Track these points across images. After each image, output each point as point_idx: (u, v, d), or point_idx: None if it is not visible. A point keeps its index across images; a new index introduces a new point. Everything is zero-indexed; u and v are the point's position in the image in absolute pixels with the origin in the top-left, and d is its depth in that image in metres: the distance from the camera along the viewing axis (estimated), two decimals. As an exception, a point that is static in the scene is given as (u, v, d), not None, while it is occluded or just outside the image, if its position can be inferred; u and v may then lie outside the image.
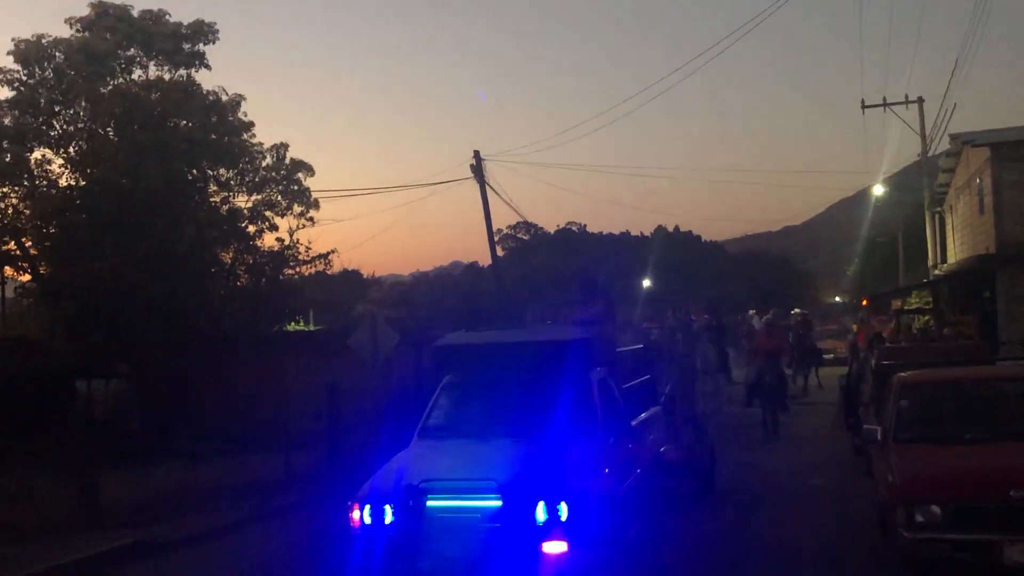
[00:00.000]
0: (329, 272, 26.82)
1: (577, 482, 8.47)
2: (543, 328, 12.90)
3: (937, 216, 34.42)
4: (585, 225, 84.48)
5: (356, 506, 8.53)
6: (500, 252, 64.69)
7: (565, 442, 8.98)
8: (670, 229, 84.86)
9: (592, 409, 9.71)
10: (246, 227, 22.66)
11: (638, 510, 10.25)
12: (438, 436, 9.79)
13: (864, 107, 35.17)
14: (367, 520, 8.42)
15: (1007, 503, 7.66)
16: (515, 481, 8.29)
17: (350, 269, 46.64)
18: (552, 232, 77.23)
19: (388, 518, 8.39)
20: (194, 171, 21.74)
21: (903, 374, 10.39)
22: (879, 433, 9.54)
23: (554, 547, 8.03)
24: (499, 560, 8.02)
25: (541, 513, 8.11)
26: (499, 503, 8.19)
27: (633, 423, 10.85)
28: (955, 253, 31.37)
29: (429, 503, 8.32)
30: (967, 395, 9.70)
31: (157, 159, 19.93)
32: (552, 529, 8.06)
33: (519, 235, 73.91)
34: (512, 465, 8.56)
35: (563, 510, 8.11)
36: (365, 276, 67.50)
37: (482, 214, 31.02)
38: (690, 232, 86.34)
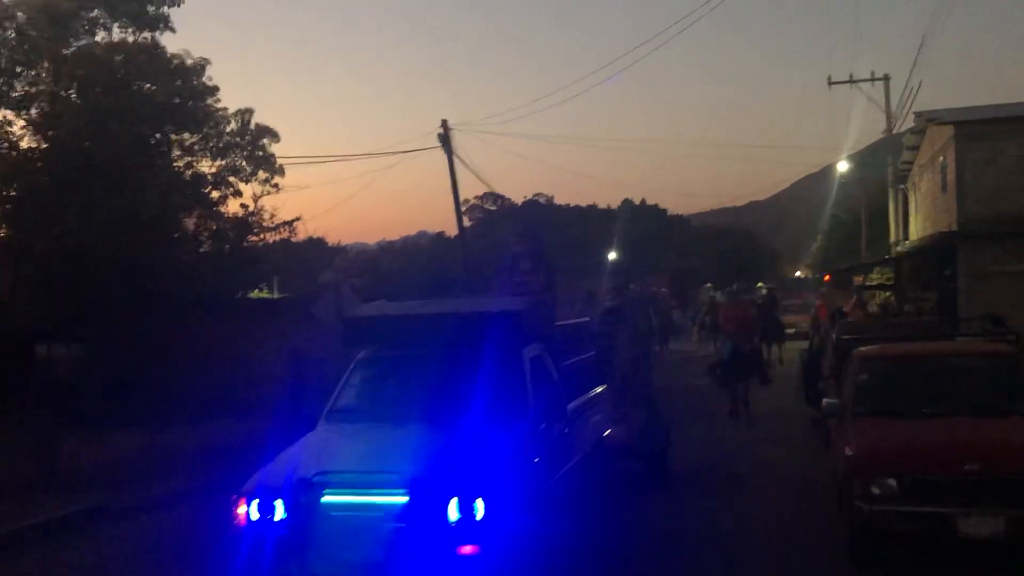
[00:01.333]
0: (294, 239, 26.71)
1: (498, 475, 7.52)
2: (474, 299, 11.57)
3: (901, 193, 34.70)
4: (553, 197, 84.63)
5: (242, 501, 7.51)
6: (467, 222, 64.58)
7: (488, 428, 7.96)
8: (637, 202, 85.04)
9: (522, 390, 8.67)
10: (210, 193, 22.48)
11: (575, 502, 9.46)
12: (345, 419, 8.79)
13: (831, 83, 35.28)
14: (254, 516, 7.42)
15: (961, 477, 7.78)
16: (425, 474, 7.29)
17: (315, 237, 46.41)
18: (519, 203, 77.23)
19: (279, 514, 7.38)
20: (158, 135, 21.49)
21: (862, 348, 10.52)
22: (837, 406, 9.67)
23: (468, 550, 7.11)
24: (405, 565, 7.06)
25: (454, 511, 7.15)
26: (405, 499, 7.20)
27: (573, 404, 9.90)
28: (917, 230, 31.67)
29: (324, 499, 7.35)
30: (925, 370, 9.81)
31: (120, 122, 19.67)
32: (466, 530, 7.13)
33: (486, 206, 73.88)
34: (423, 455, 7.58)
35: (479, 508, 7.17)
36: (331, 244, 67.23)
37: (449, 184, 30.98)
38: (656, 205, 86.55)
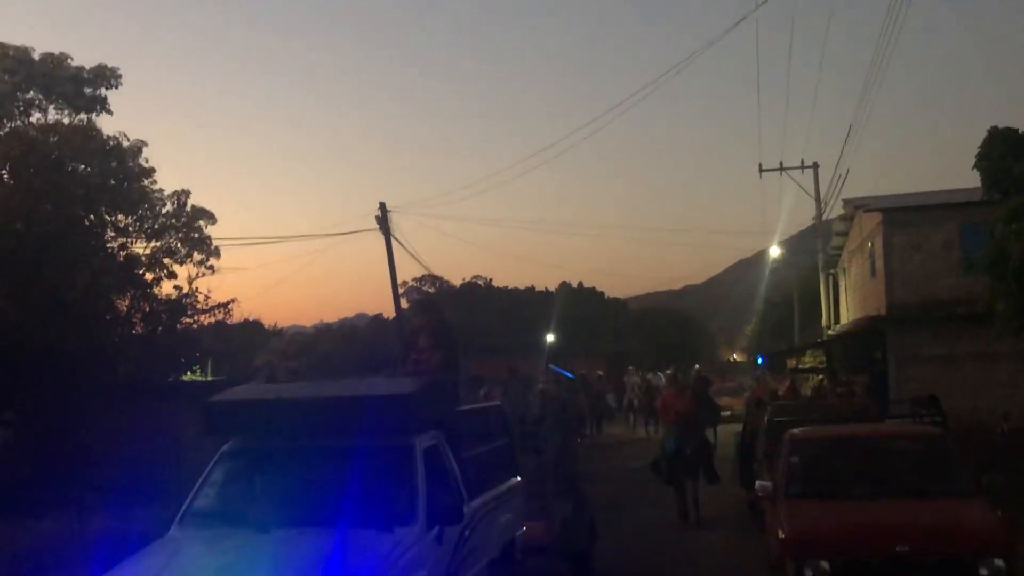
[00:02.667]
0: (229, 322, 26.37)
1: None
2: (362, 382, 9.93)
3: (831, 278, 35.41)
4: (491, 279, 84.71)
5: None
6: (405, 304, 64.44)
7: (366, 534, 6.86)
8: (574, 284, 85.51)
9: (411, 486, 7.42)
10: (144, 274, 22.21)
11: None
12: (202, 524, 7.50)
13: (761, 171, 35.99)
14: None
15: (893, 558, 7.85)
16: None
17: (251, 319, 45.81)
18: (458, 285, 77.23)
19: None
20: (91, 216, 21.27)
21: (794, 430, 10.62)
22: (770, 488, 9.72)
23: None
24: None
25: None
26: None
27: (479, 500, 8.64)
28: (848, 314, 32.29)
29: None
30: (856, 451, 9.94)
31: (53, 203, 19.45)
32: None
33: (425, 287, 73.77)
34: (284, 569, 6.58)
35: None
36: (267, 327, 66.41)
37: (387, 265, 30.98)
38: (594, 288, 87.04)
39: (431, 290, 72.82)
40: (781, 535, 8.64)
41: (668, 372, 19.73)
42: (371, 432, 7.45)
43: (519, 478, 10.34)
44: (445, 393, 8.76)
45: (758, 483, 10.26)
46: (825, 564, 7.97)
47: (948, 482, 9.23)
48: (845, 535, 8.26)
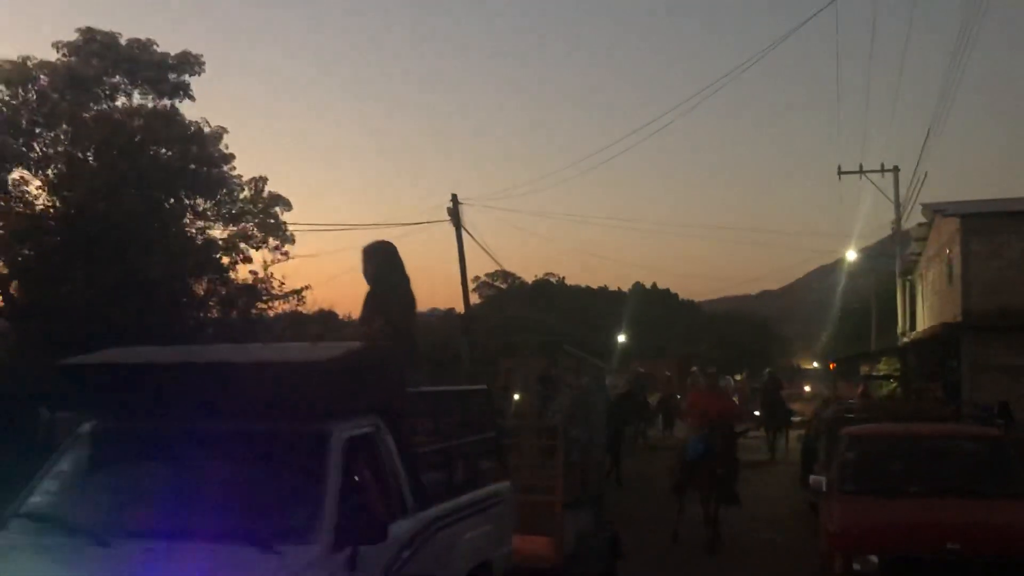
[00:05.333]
0: (303, 311, 26.83)
1: None
2: (271, 347, 7.90)
3: (908, 284, 34.84)
4: (564, 277, 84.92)
5: None
6: (477, 300, 64.88)
7: (239, 553, 5.03)
8: (647, 286, 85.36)
9: (316, 490, 5.43)
10: (220, 258, 22.71)
11: None
12: (33, 529, 5.59)
13: (840, 173, 35.47)
14: None
15: (942, 555, 7.79)
16: None
17: (326, 309, 46.48)
18: (530, 282, 77.52)
19: None
20: (171, 200, 21.83)
21: (851, 427, 10.57)
22: (824, 484, 9.69)
23: None
24: None
25: None
26: None
27: (436, 510, 6.61)
28: (924, 321, 31.75)
29: None
30: (912, 450, 9.87)
31: (135, 186, 20.03)
32: None
33: (497, 284, 74.17)
34: None
35: None
36: (341, 317, 67.28)
37: (457, 259, 31.21)
38: (667, 290, 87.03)
39: (503, 286, 73.16)
40: (831, 529, 8.64)
41: (693, 370, 17.45)
42: (270, 414, 5.70)
43: (509, 482, 8.29)
44: (387, 367, 6.48)
45: (812, 478, 10.22)
46: (874, 559, 7.95)
47: (1004, 483, 9.12)
48: (895, 531, 8.24)
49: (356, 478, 5.56)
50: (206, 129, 22.28)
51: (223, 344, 7.87)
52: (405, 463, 6.34)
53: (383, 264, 7.41)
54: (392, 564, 5.80)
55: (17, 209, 20.32)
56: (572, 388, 14.77)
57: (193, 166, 21.88)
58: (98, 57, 21.42)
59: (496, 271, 70.60)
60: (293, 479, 5.63)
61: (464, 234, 30.79)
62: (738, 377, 54.75)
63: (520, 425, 11.02)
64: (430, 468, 6.92)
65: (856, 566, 7.97)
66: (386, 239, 7.47)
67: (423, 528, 6.33)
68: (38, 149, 20.87)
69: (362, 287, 7.56)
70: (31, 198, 20.76)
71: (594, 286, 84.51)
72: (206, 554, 4.98)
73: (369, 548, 5.39)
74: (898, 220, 34.43)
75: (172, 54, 22.40)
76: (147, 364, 6.12)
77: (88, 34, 21.49)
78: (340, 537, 5.26)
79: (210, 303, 23.31)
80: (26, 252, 20.15)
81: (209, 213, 22.86)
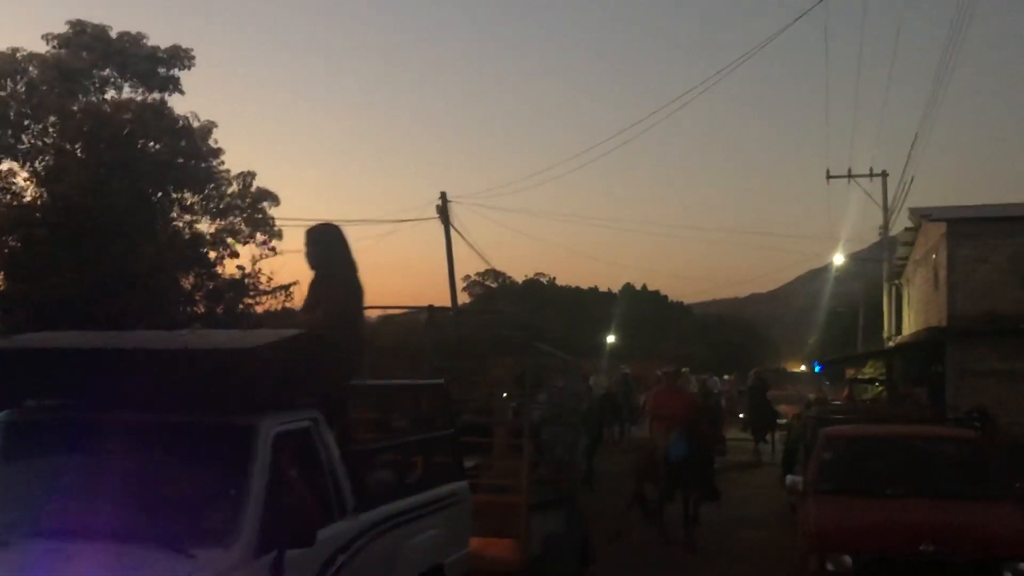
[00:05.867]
0: (291, 307, 26.80)
1: None
2: (200, 333, 7.56)
3: (894, 288, 34.96)
4: (555, 278, 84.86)
5: None
6: (468, 299, 64.86)
7: (149, 556, 4.71)
8: (637, 287, 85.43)
9: (238, 488, 5.02)
10: (207, 253, 22.70)
11: None
12: None
13: (829, 177, 35.57)
14: None
15: (916, 556, 7.84)
16: None
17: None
18: (520, 282, 77.46)
19: None
20: (159, 193, 21.83)
21: (829, 428, 10.63)
22: (800, 484, 9.75)
23: None
24: None
25: None
26: None
27: (380, 512, 6.26)
28: (910, 325, 31.85)
29: None
30: (888, 450, 9.93)
31: (123, 179, 20.02)
32: None
33: (487, 283, 74.14)
34: None
35: None
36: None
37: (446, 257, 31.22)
38: (657, 292, 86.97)
39: (493, 285, 73.19)
40: (807, 528, 8.68)
41: (662, 370, 16.47)
42: (194, 405, 5.36)
43: (465, 482, 7.94)
44: (327, 358, 6.00)
45: (789, 478, 10.29)
46: (848, 559, 8.01)
47: (979, 485, 9.18)
48: (869, 531, 8.28)
49: (286, 476, 5.17)
50: (195, 123, 22.30)
51: (152, 331, 6.82)
52: (346, 461, 5.94)
53: (328, 248, 6.89)
54: (325, 569, 5.47)
55: (4, 201, 20.30)
56: (546, 387, 14.29)
57: (181, 160, 21.88)
58: (88, 50, 21.42)
59: (486, 270, 70.64)
60: (214, 476, 5.25)
61: (454, 232, 30.80)
62: (727, 377, 54.90)
63: (491, 423, 10.70)
64: (376, 466, 6.67)
65: (830, 566, 8.03)
66: (332, 222, 7.16)
67: (364, 531, 5.97)
68: (26, 141, 20.86)
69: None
70: (19, 190, 20.75)
71: (584, 286, 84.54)
72: (111, 556, 4.67)
73: (297, 552, 5.04)
74: (886, 224, 34.57)
75: (162, 48, 22.42)
76: (60, 349, 5.66)
77: (79, 26, 21.50)
78: (263, 540, 4.90)
79: (196, 297, 23.30)
80: (13, 244, 20.13)
81: (197, 207, 22.87)
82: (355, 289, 6.80)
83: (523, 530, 8.72)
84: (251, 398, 5.32)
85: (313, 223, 7.02)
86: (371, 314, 12.72)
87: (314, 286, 6.89)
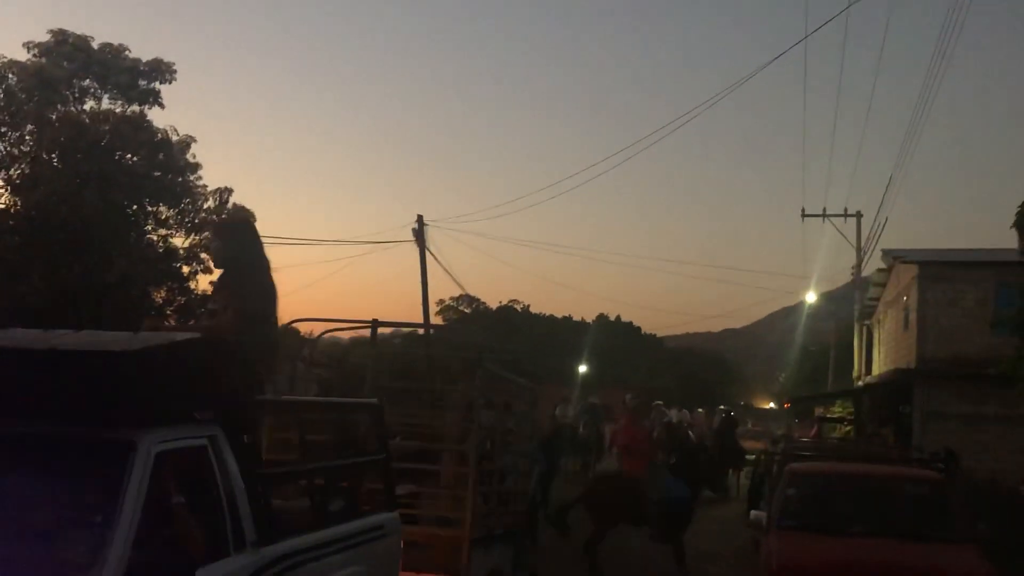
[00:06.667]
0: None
1: None
2: (75, 334, 5.20)
3: (865, 329, 35.18)
4: (529, 305, 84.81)
5: None
6: (441, 322, 64.63)
7: None
8: (612, 318, 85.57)
9: (109, 515, 4.20)
10: (180, 267, 22.63)
11: None
12: None
13: (804, 215, 35.84)
14: None
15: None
16: None
17: (288, 324, 46.26)
18: (494, 308, 77.34)
19: None
20: (134, 206, 21.76)
21: (795, 464, 10.64)
22: (764, 519, 9.75)
23: None
24: None
25: None
26: None
27: (291, 543, 5.47)
28: (880, 365, 32.04)
29: None
30: (852, 489, 9.93)
31: (97, 189, 19.95)
32: None
33: (461, 308, 74.07)
34: None
35: None
36: (303, 334, 66.96)
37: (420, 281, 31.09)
38: (631, 323, 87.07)
39: (467, 310, 73.11)
40: (768, 564, 8.68)
41: (627, 397, 15.97)
42: (65, 415, 4.50)
43: (396, 513, 7.10)
44: (230, 367, 5.28)
45: (752, 513, 10.28)
46: (807, 596, 8.00)
47: (942, 526, 9.18)
48: (830, 569, 8.28)
49: (169, 502, 4.55)
50: (174, 137, 22.31)
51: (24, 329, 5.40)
52: (249, 485, 5.13)
53: (237, 243, 6.19)
54: None
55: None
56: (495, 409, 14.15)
57: (158, 173, 21.86)
58: (69, 59, 21.41)
59: (460, 295, 70.52)
60: (80, 499, 4.49)
61: (429, 256, 30.73)
62: (700, 410, 54.86)
63: (436, 450, 9.79)
64: (288, 493, 6.10)
65: (790, 603, 8.03)
66: (242, 214, 6.54)
67: (265, 566, 5.17)
68: (2, 148, 20.79)
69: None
70: (-8, 197, 20.65)
71: (559, 315, 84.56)
72: None
73: None
74: (859, 264, 34.80)
75: (144, 61, 22.42)
76: None
77: (61, 36, 21.49)
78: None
79: (168, 312, 23.20)
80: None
81: (172, 221, 22.82)
82: (268, 290, 6.15)
83: (464, 567, 8.01)
84: (130, 409, 4.48)
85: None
86: (313, 328, 12.00)
87: (222, 286, 6.28)
